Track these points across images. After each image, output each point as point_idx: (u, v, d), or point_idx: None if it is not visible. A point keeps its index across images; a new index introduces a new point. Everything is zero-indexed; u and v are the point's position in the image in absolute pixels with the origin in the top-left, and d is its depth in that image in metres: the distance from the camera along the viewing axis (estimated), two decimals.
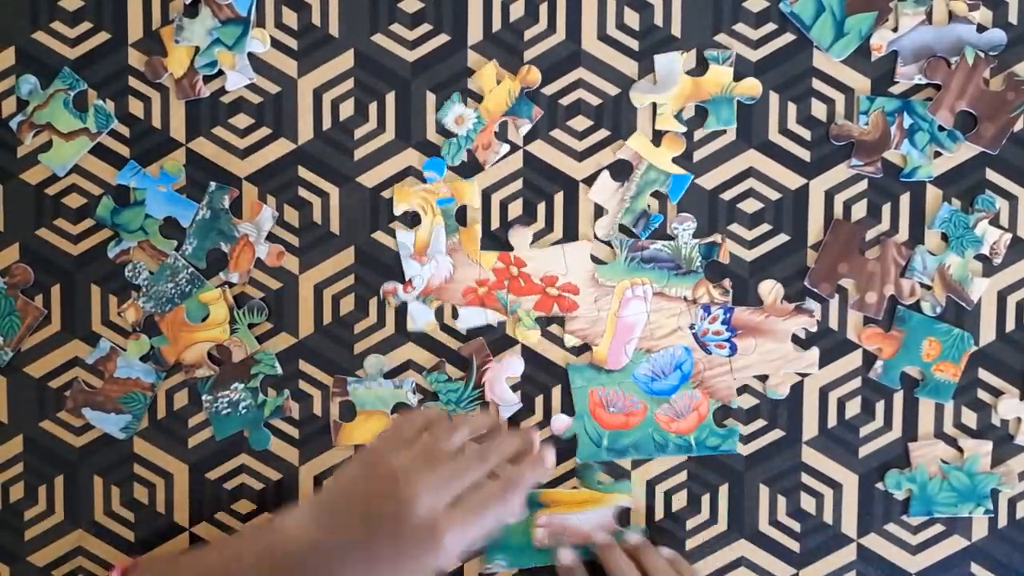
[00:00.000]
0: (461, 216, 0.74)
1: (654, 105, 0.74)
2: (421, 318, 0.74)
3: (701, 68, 0.74)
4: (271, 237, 0.75)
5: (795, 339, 0.74)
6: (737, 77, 0.74)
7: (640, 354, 0.74)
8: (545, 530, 0.74)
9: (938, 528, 0.74)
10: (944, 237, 0.73)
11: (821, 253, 0.74)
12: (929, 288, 0.73)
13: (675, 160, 0.74)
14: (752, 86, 0.74)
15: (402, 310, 0.75)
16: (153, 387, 0.75)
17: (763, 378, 0.74)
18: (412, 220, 0.74)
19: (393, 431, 0.66)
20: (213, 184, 0.75)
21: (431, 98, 0.75)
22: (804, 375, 0.74)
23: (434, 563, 0.61)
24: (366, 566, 0.61)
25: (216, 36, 0.74)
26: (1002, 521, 0.74)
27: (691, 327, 0.74)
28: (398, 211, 0.74)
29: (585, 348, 0.75)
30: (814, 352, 0.74)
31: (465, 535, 0.62)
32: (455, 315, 0.75)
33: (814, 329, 0.74)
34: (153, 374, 0.75)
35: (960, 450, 0.74)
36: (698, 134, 0.74)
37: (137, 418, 0.75)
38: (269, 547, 0.63)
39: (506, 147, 0.74)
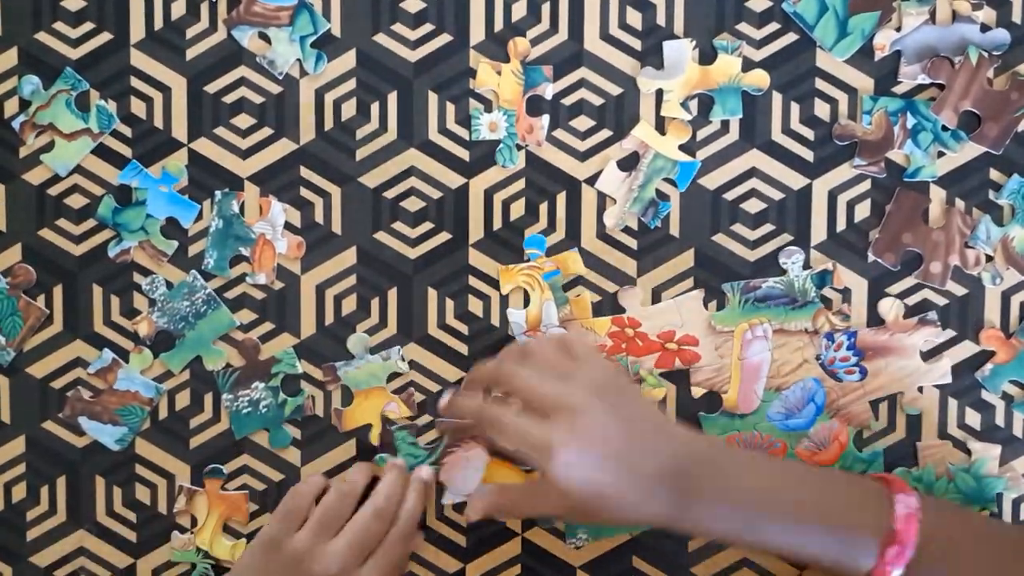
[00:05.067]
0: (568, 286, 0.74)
1: (659, 93, 0.74)
2: None
3: (709, 58, 0.74)
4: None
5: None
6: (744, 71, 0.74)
7: (771, 393, 0.73)
8: None
9: None
10: (1011, 209, 0.73)
11: (884, 223, 0.73)
12: (991, 259, 0.73)
13: (681, 149, 0.74)
14: (760, 77, 0.73)
15: None
16: (152, 402, 0.75)
17: (897, 396, 0.74)
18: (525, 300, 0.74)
19: (283, 511, 0.70)
20: (219, 193, 0.75)
21: (433, 98, 0.74)
22: (939, 387, 0.74)
23: None
24: None
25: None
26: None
27: (817, 358, 0.73)
28: (505, 291, 0.74)
29: (714, 398, 0.74)
30: (945, 362, 0.73)
31: None
32: None
33: (939, 340, 0.73)
34: (153, 389, 0.75)
35: (968, 452, 0.74)
36: (701, 134, 0.74)
37: (133, 431, 0.75)
38: None
39: (547, 117, 0.74)
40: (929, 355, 0.73)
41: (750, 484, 0.63)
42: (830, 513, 0.63)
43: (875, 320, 0.74)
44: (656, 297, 0.74)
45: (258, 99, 0.75)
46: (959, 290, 0.74)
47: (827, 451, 0.73)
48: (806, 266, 0.74)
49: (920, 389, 0.73)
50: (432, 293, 0.75)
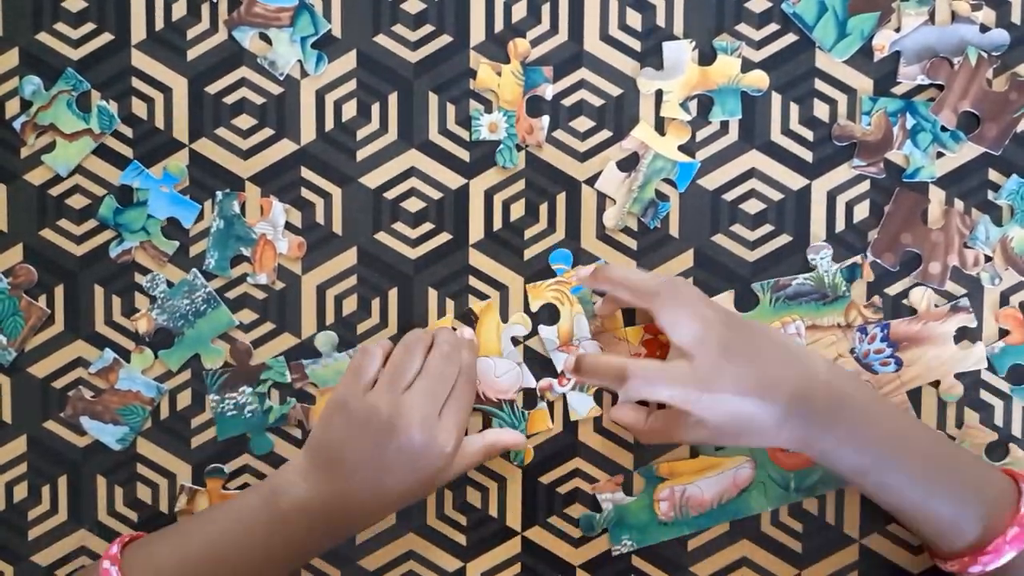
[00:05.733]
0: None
1: (659, 93, 0.74)
2: (582, 407, 0.74)
3: (709, 59, 0.74)
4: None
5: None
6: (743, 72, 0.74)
7: None
8: (668, 503, 0.74)
9: None
10: (1010, 210, 0.74)
11: (883, 224, 0.73)
12: (990, 259, 0.73)
13: (680, 150, 0.74)
14: (760, 78, 0.74)
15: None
16: (153, 401, 0.75)
17: (935, 384, 0.74)
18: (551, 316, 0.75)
19: (351, 371, 0.70)
20: (220, 193, 0.75)
21: (434, 99, 0.75)
22: (974, 372, 0.74)
23: (441, 471, 0.68)
24: (378, 500, 0.67)
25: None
26: None
27: (852, 351, 0.73)
28: (535, 308, 0.74)
29: None
30: (980, 348, 0.73)
31: (460, 434, 0.68)
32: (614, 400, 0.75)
33: (974, 325, 0.73)
34: (154, 388, 0.75)
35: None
36: (700, 134, 0.74)
37: (134, 431, 0.75)
38: (272, 507, 0.67)
39: (547, 118, 0.74)
40: (959, 339, 0.74)
41: (887, 427, 0.66)
42: (960, 477, 0.66)
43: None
44: None
45: (259, 100, 0.75)
46: (958, 290, 0.74)
47: None
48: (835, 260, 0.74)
49: (957, 376, 0.74)
50: (432, 293, 0.75)
